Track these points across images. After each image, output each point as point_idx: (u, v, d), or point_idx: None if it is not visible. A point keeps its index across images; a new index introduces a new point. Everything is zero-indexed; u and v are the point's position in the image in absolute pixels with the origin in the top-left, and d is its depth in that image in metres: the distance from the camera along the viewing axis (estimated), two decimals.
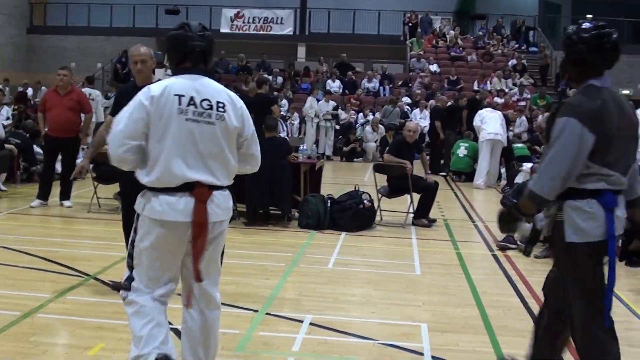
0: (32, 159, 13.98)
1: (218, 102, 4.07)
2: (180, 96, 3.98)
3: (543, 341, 4.40)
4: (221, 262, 4.44)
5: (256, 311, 6.09)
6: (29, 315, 5.84)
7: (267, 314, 6.05)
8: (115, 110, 6.43)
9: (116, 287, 6.57)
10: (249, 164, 4.37)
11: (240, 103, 4.25)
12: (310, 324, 5.80)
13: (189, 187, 3.97)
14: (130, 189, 5.65)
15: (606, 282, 3.91)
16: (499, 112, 16.66)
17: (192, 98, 4.00)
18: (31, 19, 34.70)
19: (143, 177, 4.05)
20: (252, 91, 12.96)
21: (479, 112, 16.47)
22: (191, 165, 3.97)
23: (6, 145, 13.07)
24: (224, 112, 4.08)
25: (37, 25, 34.64)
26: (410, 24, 30.44)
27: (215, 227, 4.10)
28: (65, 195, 11.43)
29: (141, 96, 4.00)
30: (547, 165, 3.87)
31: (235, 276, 7.04)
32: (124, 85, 6.76)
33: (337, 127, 22.80)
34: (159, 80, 4.28)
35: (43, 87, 23.93)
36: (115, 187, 10.89)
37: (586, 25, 3.97)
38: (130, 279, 4.15)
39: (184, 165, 3.96)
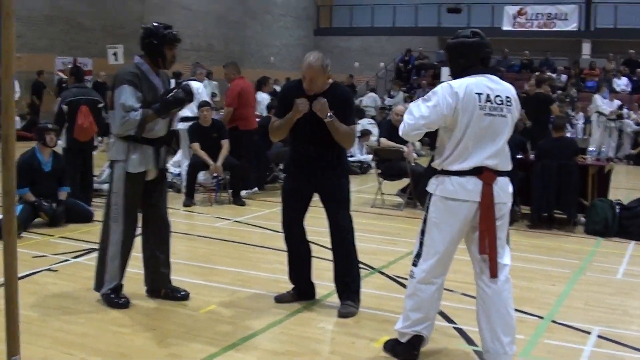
0: None
1: (507, 97, 4.65)
2: (479, 94, 4.55)
3: None
4: (508, 242, 4.79)
5: (541, 317, 5.93)
6: (317, 302, 6.11)
7: (553, 321, 5.86)
8: (279, 109, 6.03)
9: None
10: None
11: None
12: (599, 336, 5.53)
13: (478, 171, 4.54)
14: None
15: None
16: None
17: (488, 95, 4.57)
18: (318, 21, 36.35)
19: (441, 162, 4.66)
20: (530, 90, 12.69)
21: None
22: (483, 153, 4.56)
23: None
24: (511, 106, 4.66)
25: (323, 27, 36.23)
26: None
27: (499, 208, 4.59)
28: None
29: (445, 92, 4.56)
30: None
31: (518, 280, 6.88)
32: (288, 83, 6.61)
33: (629, 129, 21.51)
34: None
35: None
36: (398, 184, 11.16)
37: None
38: (418, 255, 4.72)
39: (478, 153, 4.55)
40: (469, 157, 4.53)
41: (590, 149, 10.93)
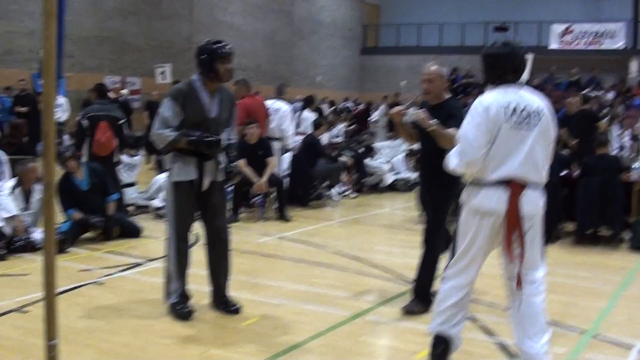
0: (362, 172, 14.68)
1: (535, 110, 4.63)
2: (505, 107, 4.57)
3: None
4: (542, 255, 4.77)
5: (583, 332, 5.91)
6: (359, 316, 6.16)
7: (595, 336, 5.84)
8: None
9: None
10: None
11: (551, 111, 4.79)
12: None
13: (506, 183, 4.56)
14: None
15: None
16: None
17: (514, 108, 4.58)
18: (364, 41, 36.53)
19: (471, 174, 4.71)
20: (569, 107, 12.61)
21: None
22: (511, 164, 4.56)
23: (340, 159, 13.89)
24: (540, 118, 4.63)
25: (369, 47, 36.43)
26: None
27: (526, 220, 4.58)
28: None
29: (478, 108, 4.61)
30: None
31: (561, 295, 6.87)
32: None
33: None
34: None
35: (382, 106, 24.43)
36: None
37: None
38: (450, 259, 4.90)
39: (505, 164, 4.56)
40: (497, 169, 4.56)
41: (634, 165, 10.82)
